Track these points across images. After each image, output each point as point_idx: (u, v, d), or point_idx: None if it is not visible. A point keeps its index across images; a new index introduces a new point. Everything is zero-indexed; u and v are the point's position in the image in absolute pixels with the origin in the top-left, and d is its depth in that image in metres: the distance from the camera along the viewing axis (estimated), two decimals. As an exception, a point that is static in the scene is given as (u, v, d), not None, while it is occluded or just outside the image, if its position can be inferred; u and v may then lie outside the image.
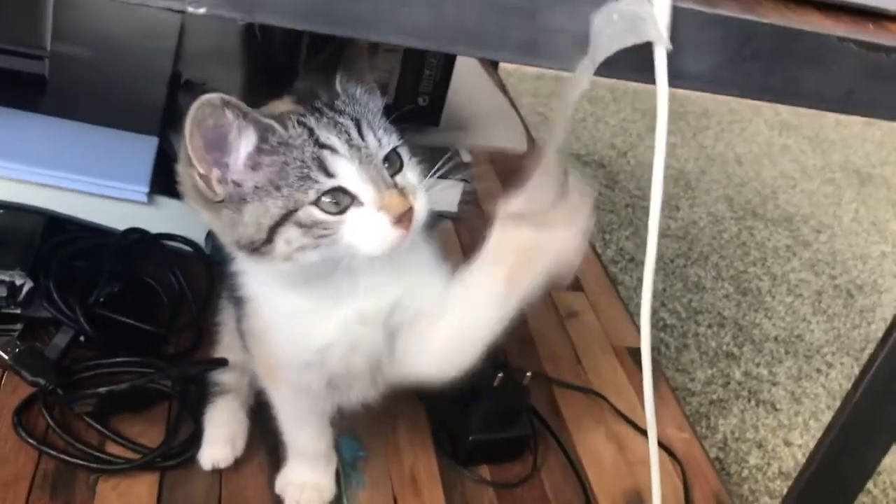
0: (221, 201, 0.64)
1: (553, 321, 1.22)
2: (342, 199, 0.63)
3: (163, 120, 1.18)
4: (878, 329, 1.80)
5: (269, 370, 0.79)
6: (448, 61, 1.34)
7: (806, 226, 2.13)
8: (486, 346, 0.70)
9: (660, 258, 1.82)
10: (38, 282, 0.95)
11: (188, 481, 0.86)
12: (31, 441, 0.84)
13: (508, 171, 1.46)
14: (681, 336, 1.64)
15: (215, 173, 0.63)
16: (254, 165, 0.63)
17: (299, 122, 0.64)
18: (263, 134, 0.62)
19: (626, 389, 1.12)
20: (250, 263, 0.69)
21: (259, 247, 0.64)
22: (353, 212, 0.63)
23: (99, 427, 0.87)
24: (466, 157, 1.36)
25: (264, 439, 0.91)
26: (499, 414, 0.96)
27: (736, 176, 2.29)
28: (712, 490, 1.02)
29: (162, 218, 1.08)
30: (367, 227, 0.63)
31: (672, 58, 0.52)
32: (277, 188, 0.62)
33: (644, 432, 1.05)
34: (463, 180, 1.28)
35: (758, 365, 1.61)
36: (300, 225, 0.62)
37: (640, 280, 1.74)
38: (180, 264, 1.07)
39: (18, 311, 0.94)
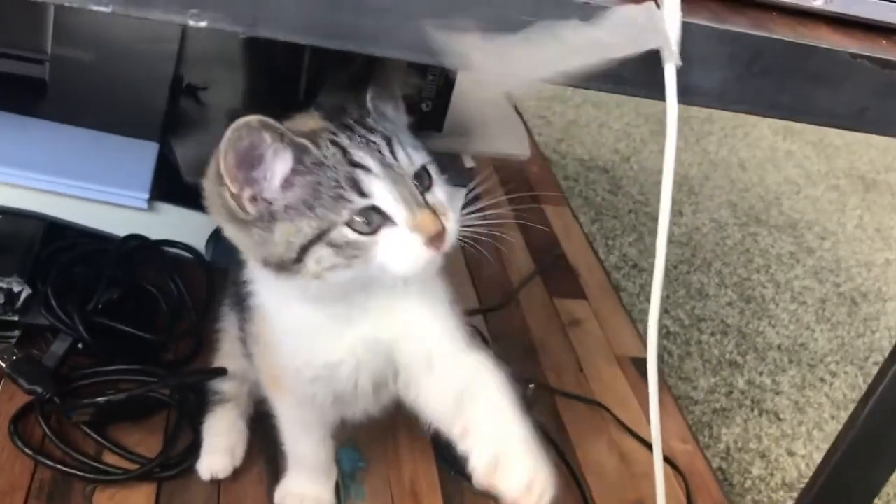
0: (252, 220, 0.63)
1: (555, 329, 1.21)
2: (374, 219, 0.62)
3: (164, 125, 1.17)
4: (883, 338, 1.79)
5: (274, 380, 0.79)
6: (451, 66, 1.33)
7: (810, 232, 2.12)
8: None
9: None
10: (36, 288, 0.95)
11: (186, 492, 0.85)
12: (27, 450, 0.83)
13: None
14: (683, 344, 1.63)
15: (247, 192, 0.62)
16: (287, 185, 0.62)
17: (332, 142, 0.63)
18: (298, 154, 0.62)
19: (629, 400, 1.12)
20: (266, 274, 0.68)
21: (288, 266, 0.63)
22: (385, 232, 0.62)
23: (96, 437, 0.86)
24: (470, 163, 1.35)
25: (264, 449, 0.90)
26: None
27: (739, 181, 2.28)
28: (715, 503, 1.01)
29: (162, 224, 1.07)
30: (400, 248, 0.63)
31: (681, 74, 0.51)
32: (311, 208, 0.62)
33: (647, 444, 1.05)
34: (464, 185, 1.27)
35: (761, 374, 1.60)
36: (332, 245, 0.62)
37: (642, 287, 1.74)
38: (180, 271, 1.06)
39: (16, 318, 0.94)
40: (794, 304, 1.83)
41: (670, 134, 0.53)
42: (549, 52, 0.49)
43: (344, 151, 0.63)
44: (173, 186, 1.08)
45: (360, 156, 0.63)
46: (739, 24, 0.53)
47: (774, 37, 0.53)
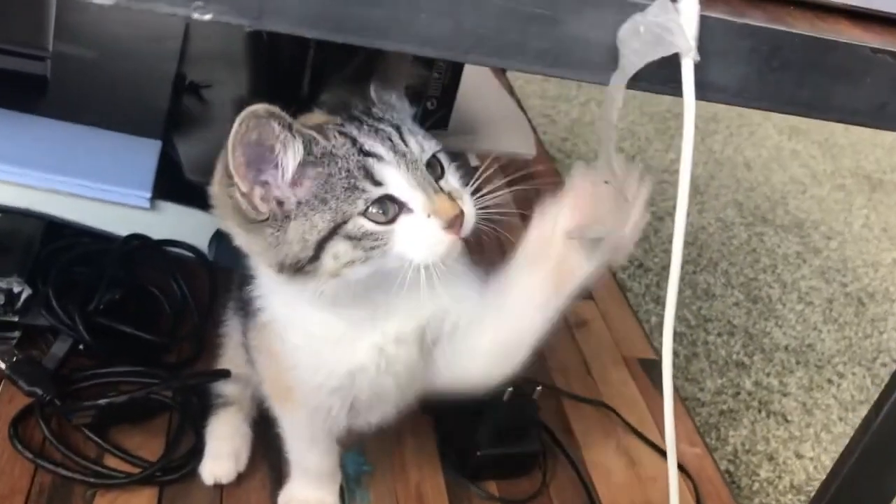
0: (265, 220, 0.61)
1: (563, 330, 1.20)
2: (390, 208, 0.61)
3: (167, 123, 1.16)
4: (890, 338, 1.77)
5: (284, 392, 0.76)
6: (457, 64, 1.31)
7: (816, 232, 2.10)
8: (532, 348, 0.68)
9: (667, 265, 1.81)
10: (36, 289, 0.93)
11: (188, 496, 0.84)
12: (27, 453, 0.82)
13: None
14: (690, 344, 1.61)
15: (258, 191, 0.60)
16: (298, 180, 0.60)
17: (340, 133, 0.62)
18: (308, 146, 0.60)
19: (637, 402, 1.10)
20: (278, 284, 0.66)
21: (304, 265, 0.61)
22: (402, 220, 0.61)
23: (97, 439, 0.85)
24: (474, 162, 1.34)
25: (267, 453, 0.88)
26: (508, 429, 0.93)
27: (745, 181, 2.26)
28: (725, 507, 1.00)
29: (165, 224, 1.06)
30: (419, 235, 0.61)
31: (699, 69, 0.50)
32: (323, 201, 0.60)
33: (655, 446, 1.03)
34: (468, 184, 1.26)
35: (768, 375, 1.59)
36: (349, 237, 0.60)
37: (647, 287, 1.72)
38: (183, 271, 1.05)
39: (16, 319, 0.92)
40: (801, 305, 1.82)
41: (687, 131, 0.51)
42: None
43: (354, 141, 0.61)
44: (176, 185, 1.07)
45: (371, 144, 0.61)
46: (757, 18, 0.51)
47: (794, 31, 0.52)
